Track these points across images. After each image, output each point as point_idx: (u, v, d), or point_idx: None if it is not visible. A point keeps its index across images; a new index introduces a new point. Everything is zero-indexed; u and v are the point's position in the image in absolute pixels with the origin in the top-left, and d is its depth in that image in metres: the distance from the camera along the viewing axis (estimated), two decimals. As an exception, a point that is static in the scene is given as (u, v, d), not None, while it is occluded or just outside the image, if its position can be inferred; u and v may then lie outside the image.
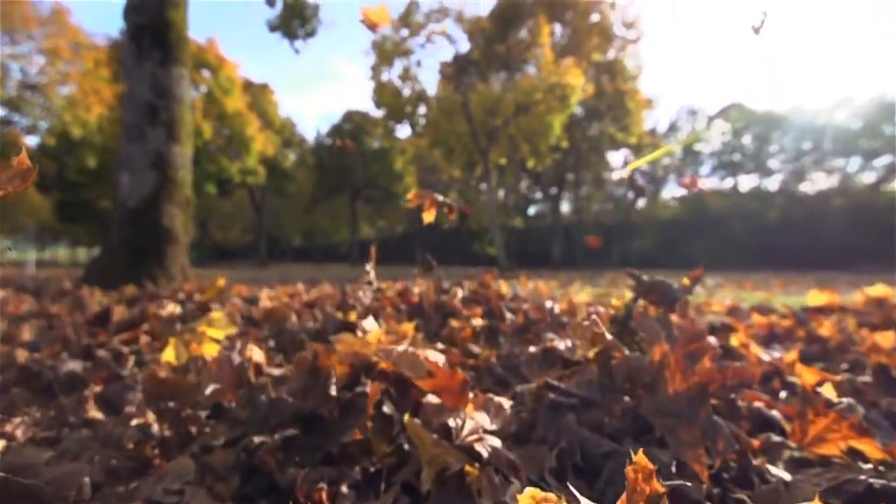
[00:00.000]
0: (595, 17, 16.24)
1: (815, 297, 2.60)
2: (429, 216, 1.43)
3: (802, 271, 25.40)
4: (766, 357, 1.46)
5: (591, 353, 0.96)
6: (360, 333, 1.36)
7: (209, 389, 1.04)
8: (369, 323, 1.44)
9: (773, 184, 36.97)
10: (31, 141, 22.75)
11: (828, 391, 1.11)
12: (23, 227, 35.68)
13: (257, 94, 25.39)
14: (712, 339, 1.47)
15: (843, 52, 69.56)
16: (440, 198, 1.44)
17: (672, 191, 41.61)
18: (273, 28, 9.95)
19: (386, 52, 12.41)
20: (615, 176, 29.97)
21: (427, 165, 30.34)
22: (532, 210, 42.17)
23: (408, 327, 1.48)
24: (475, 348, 1.48)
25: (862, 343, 1.59)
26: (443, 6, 12.40)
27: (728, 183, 39.61)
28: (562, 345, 1.12)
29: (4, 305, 2.73)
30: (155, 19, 4.00)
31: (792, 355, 1.48)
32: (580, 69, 11.99)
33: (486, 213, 14.44)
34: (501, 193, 31.65)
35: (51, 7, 18.52)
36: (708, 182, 41.26)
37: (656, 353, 0.85)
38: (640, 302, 1.06)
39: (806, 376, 0.94)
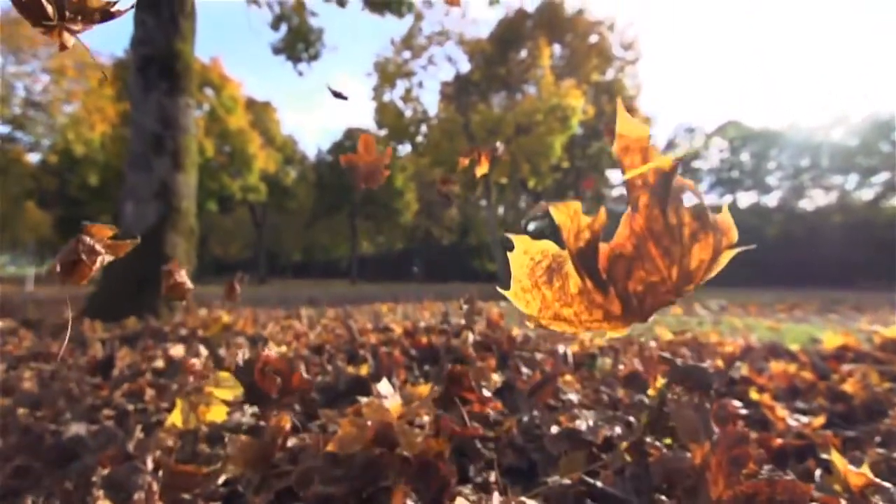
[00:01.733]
0: (594, 39, 16.47)
1: (831, 340, 2.56)
2: (483, 168, 1.39)
3: (802, 288, 25.34)
4: (793, 422, 1.42)
5: (624, 445, 0.92)
6: (375, 400, 1.32)
7: (222, 478, 0.99)
8: (384, 386, 1.40)
9: (772, 200, 37.17)
10: (34, 158, 22.87)
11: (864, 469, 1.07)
12: (22, 242, 35.61)
13: (260, 111, 25.60)
14: (737, 403, 1.43)
15: (838, 69, 70.60)
16: (498, 147, 1.39)
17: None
18: (277, 51, 10.06)
19: (388, 74, 12.55)
20: (620, 176, 29.95)
21: (427, 182, 30.47)
22: (532, 226, 42.35)
23: (423, 390, 1.44)
24: (493, 409, 1.43)
25: (889, 403, 1.55)
26: (444, 29, 12.59)
27: (727, 199, 39.91)
28: (583, 425, 1.08)
29: (3, 345, 2.69)
30: (162, 51, 4.02)
31: (819, 420, 1.43)
32: (580, 90, 12.12)
33: (487, 229, 14.44)
34: (501, 209, 31.76)
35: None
36: (708, 198, 41.28)
37: (697, 455, 0.81)
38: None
39: (852, 478, 0.89)
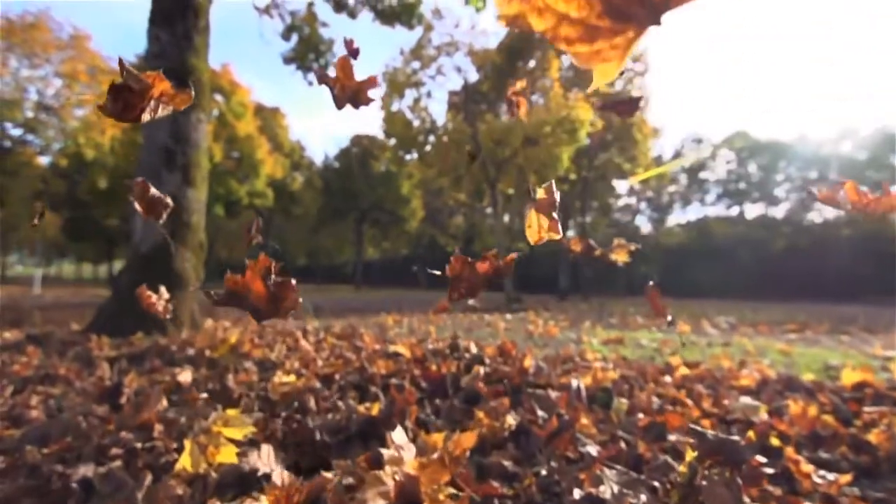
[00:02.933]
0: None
1: (849, 376, 2.51)
2: (523, 110, 1.36)
3: (808, 301, 25.12)
4: (818, 479, 1.38)
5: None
6: (394, 454, 1.29)
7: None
8: (399, 436, 1.37)
9: (779, 212, 36.97)
10: (44, 160, 23.07)
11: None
12: (29, 242, 35.89)
13: (268, 117, 25.77)
14: (762, 459, 1.39)
15: (846, 82, 70.30)
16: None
17: (678, 217, 41.68)
18: (287, 60, 10.11)
19: (397, 84, 12.61)
20: (626, 186, 29.83)
21: (433, 189, 30.51)
22: (537, 234, 42.08)
23: (437, 438, 1.41)
24: (508, 460, 1.40)
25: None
26: (454, 40, 12.64)
27: (734, 211, 39.73)
28: (607, 491, 1.05)
29: (7, 366, 2.67)
30: (176, 66, 4.04)
31: (846, 477, 1.39)
32: (588, 103, 12.11)
33: (494, 237, 14.39)
34: (506, 217, 31.75)
35: (70, 33, 19.00)
36: (716, 209, 41.21)
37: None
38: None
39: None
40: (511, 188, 14.65)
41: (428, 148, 13.38)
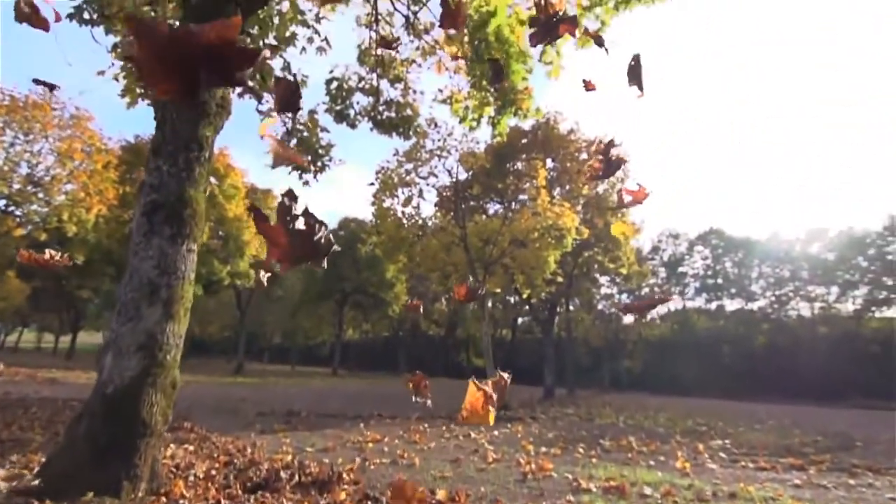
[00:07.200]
0: (584, 156, 17.43)
1: None
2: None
3: (792, 401, 24.75)
4: None
5: None
6: None
7: None
8: None
9: (756, 306, 37.65)
10: (24, 231, 22.57)
11: None
12: (-4, 311, 34.11)
13: (260, 198, 26.09)
14: None
15: (814, 184, 75.56)
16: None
17: (657, 309, 42.13)
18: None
19: (389, 184, 12.97)
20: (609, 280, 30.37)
21: (418, 274, 30.55)
22: (520, 320, 41.91)
23: None
24: None
25: None
26: (446, 145, 13.26)
27: (714, 305, 40.35)
28: None
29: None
30: (172, 197, 3.97)
31: None
32: (574, 212, 12.56)
33: (481, 335, 14.12)
34: (489, 303, 31.62)
35: (72, 112, 19.47)
36: (695, 302, 41.84)
37: None
38: None
39: None
40: (499, 287, 14.66)
41: (419, 249, 13.49)
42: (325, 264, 1.31)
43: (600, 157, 2.64)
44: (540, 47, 7.12)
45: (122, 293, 3.82)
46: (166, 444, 5.47)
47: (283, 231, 1.14)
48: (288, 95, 1.93)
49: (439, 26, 3.65)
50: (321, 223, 1.24)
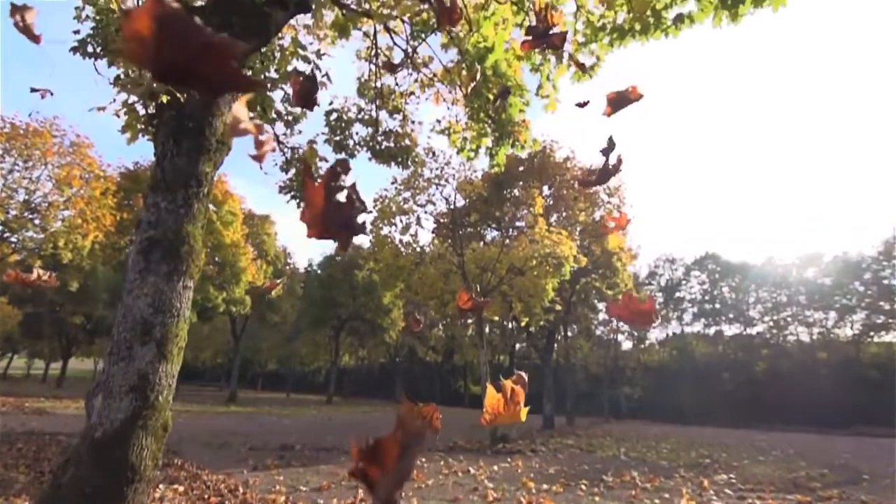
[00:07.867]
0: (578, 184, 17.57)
1: None
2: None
3: (794, 429, 24.37)
4: None
5: None
6: None
7: None
8: None
9: (755, 331, 37.43)
10: (18, 257, 22.43)
11: None
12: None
13: (257, 225, 26.09)
14: None
15: (810, 208, 76.32)
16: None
17: (656, 334, 41.88)
18: (283, 189, 10.38)
19: (387, 212, 13.02)
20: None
21: (415, 300, 30.35)
22: (518, 346, 41.50)
23: None
24: None
25: None
26: (444, 173, 13.38)
27: (712, 330, 40.13)
28: None
29: None
30: (169, 234, 3.94)
31: None
32: (571, 240, 12.59)
33: (479, 362, 13.96)
34: (487, 328, 31.36)
35: (72, 139, 19.60)
36: (693, 327, 41.68)
37: None
38: None
39: None
40: (496, 315, 14.58)
41: (416, 277, 13.45)
42: (349, 245, 1.27)
43: (600, 156, 2.61)
44: (537, 81, 7.25)
45: (115, 332, 3.74)
46: (155, 484, 5.29)
47: (324, 195, 1.12)
48: (306, 91, 2.00)
49: (437, 26, 3.80)
50: (363, 203, 1.21)
